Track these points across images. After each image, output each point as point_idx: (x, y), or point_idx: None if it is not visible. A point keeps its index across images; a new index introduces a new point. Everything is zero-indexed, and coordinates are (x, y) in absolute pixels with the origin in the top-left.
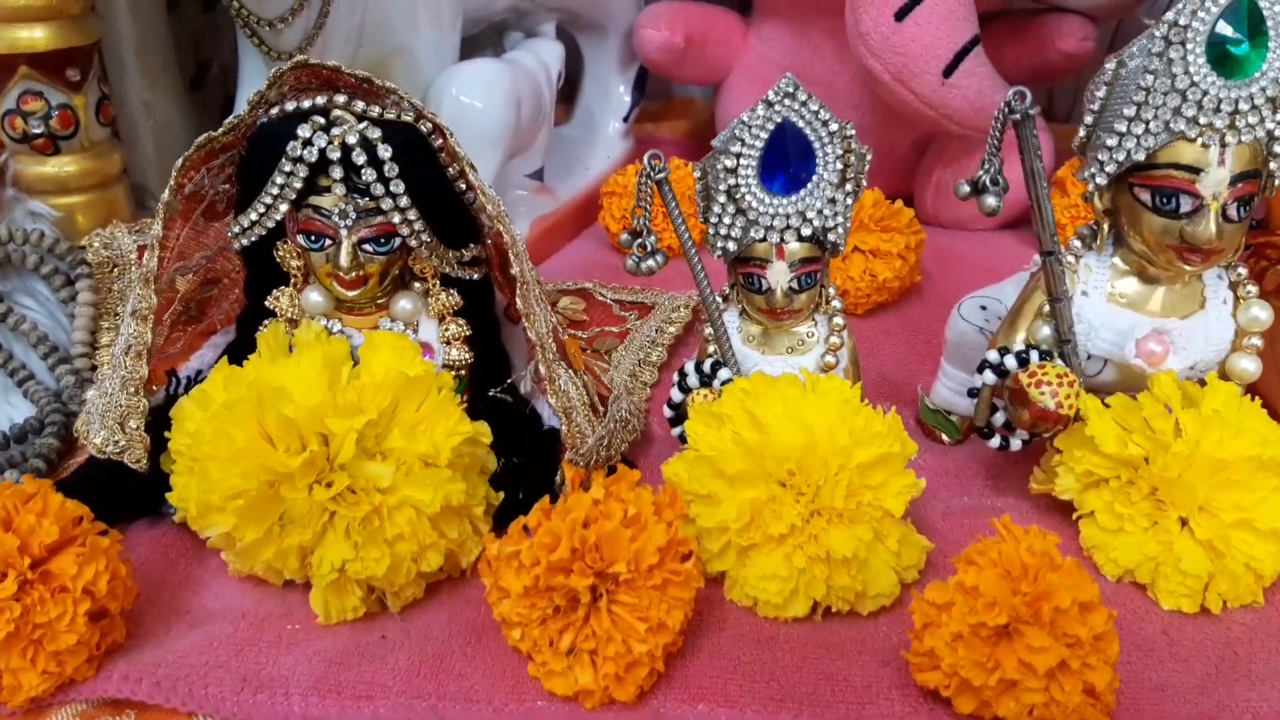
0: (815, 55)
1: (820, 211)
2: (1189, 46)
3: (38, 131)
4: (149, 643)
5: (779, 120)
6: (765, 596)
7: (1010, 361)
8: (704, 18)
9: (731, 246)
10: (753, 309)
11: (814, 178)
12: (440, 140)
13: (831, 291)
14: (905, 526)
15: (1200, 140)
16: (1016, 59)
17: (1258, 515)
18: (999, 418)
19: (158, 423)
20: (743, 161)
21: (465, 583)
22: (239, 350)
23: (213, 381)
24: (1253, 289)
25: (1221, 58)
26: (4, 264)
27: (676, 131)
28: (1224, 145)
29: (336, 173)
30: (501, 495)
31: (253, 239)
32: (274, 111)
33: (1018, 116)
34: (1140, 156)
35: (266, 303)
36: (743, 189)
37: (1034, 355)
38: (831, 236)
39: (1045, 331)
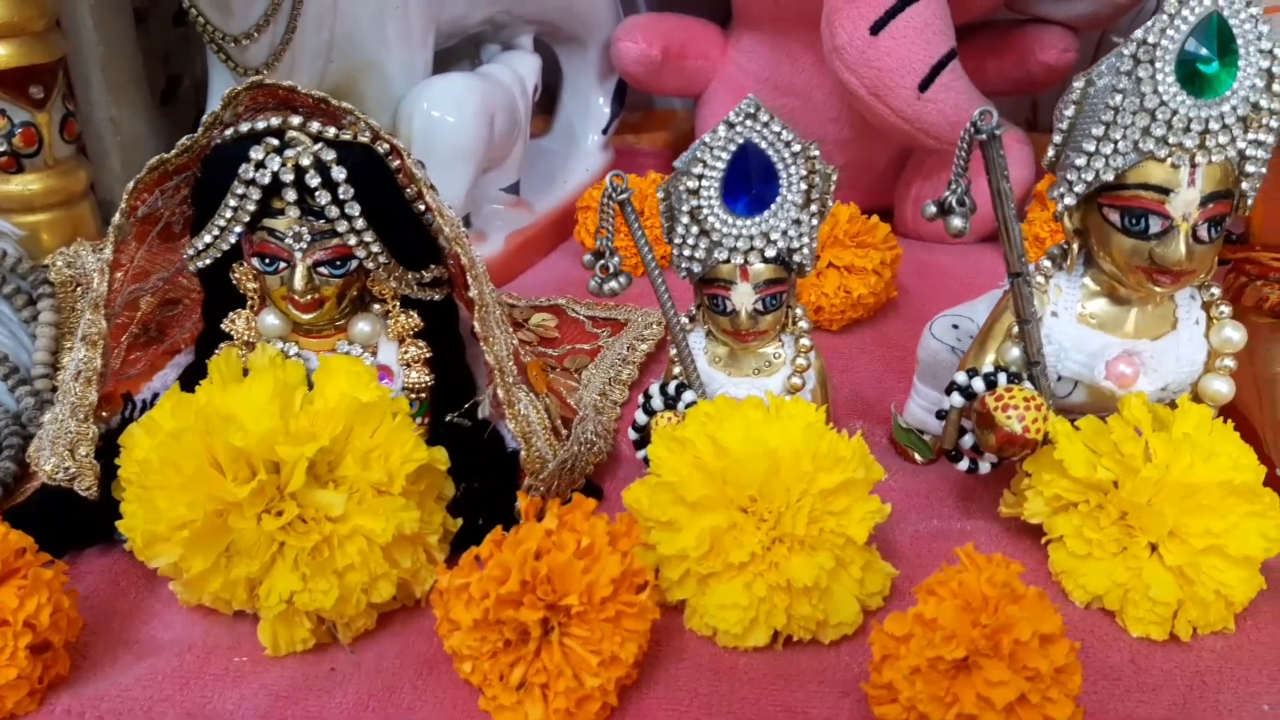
0: (794, 68)
1: (785, 233)
2: (1158, 65)
3: (0, 150)
4: (94, 675)
5: (741, 141)
6: (725, 626)
7: (978, 384)
8: (683, 30)
9: (696, 268)
10: (718, 330)
11: (778, 199)
12: (398, 161)
13: (799, 312)
14: (869, 553)
15: (1170, 160)
16: (999, 70)
17: (1228, 541)
18: (967, 440)
19: (112, 448)
20: (705, 182)
21: (419, 612)
22: (195, 373)
23: (161, 408)
24: (1226, 309)
25: (1191, 76)
26: None
27: (657, 143)
28: (1194, 165)
29: (290, 195)
30: (460, 522)
31: (208, 261)
32: (228, 133)
33: (983, 136)
34: (1109, 177)
35: (223, 325)
36: (705, 210)
37: (1002, 378)
38: (797, 258)
39: (1015, 353)
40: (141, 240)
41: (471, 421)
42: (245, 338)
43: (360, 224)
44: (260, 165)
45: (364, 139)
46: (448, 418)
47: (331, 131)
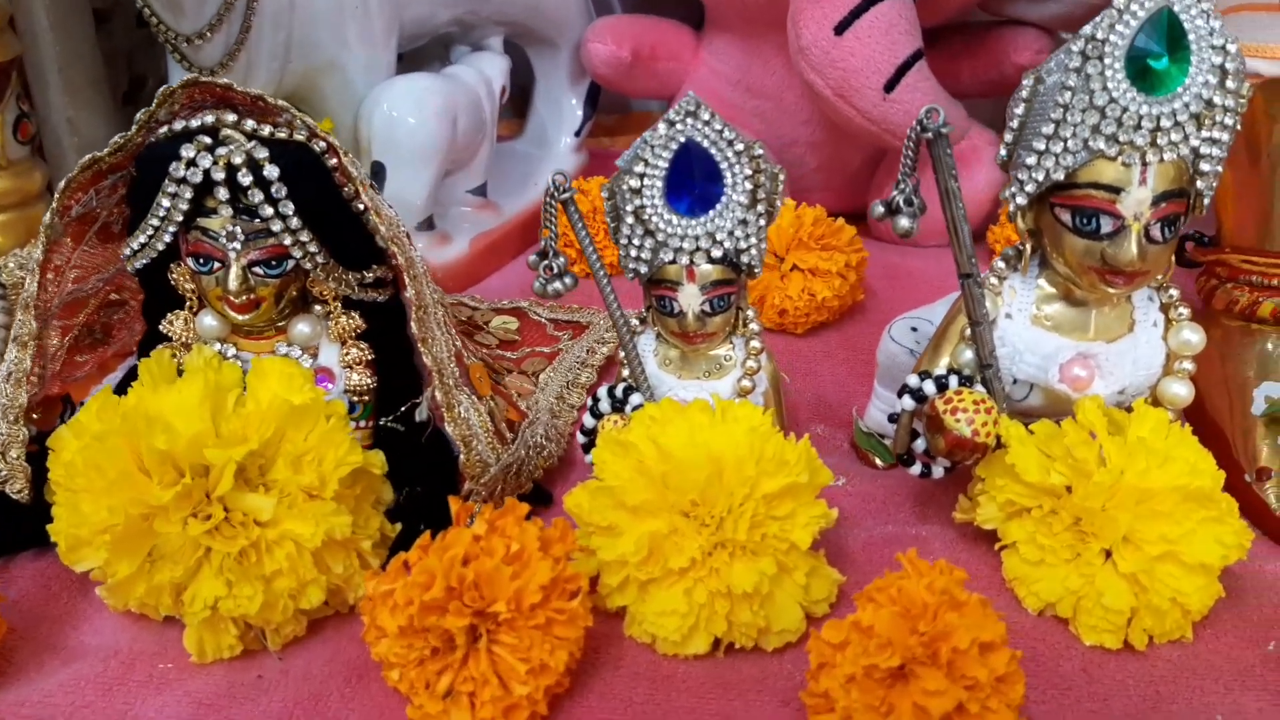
0: (766, 70)
1: (731, 233)
2: (1107, 61)
3: None
4: (18, 680)
5: (682, 140)
6: (664, 633)
7: (929, 387)
8: (654, 32)
9: (643, 269)
10: (666, 332)
11: (723, 198)
12: (334, 159)
13: (750, 314)
14: (815, 559)
15: (1120, 159)
16: (973, 72)
17: (1184, 548)
18: (920, 444)
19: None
20: (647, 182)
21: (352, 619)
22: (133, 376)
23: (88, 410)
24: (1184, 311)
25: (1141, 73)
26: None
27: None
28: (1145, 164)
29: (222, 194)
30: (399, 527)
31: (145, 262)
32: (163, 131)
33: (929, 135)
34: (1059, 176)
35: (161, 327)
36: (649, 210)
37: (953, 380)
38: (745, 259)
39: (968, 355)
40: (78, 240)
41: (407, 425)
42: (183, 339)
43: (295, 223)
44: (192, 163)
45: (300, 137)
46: (382, 420)
47: (266, 129)
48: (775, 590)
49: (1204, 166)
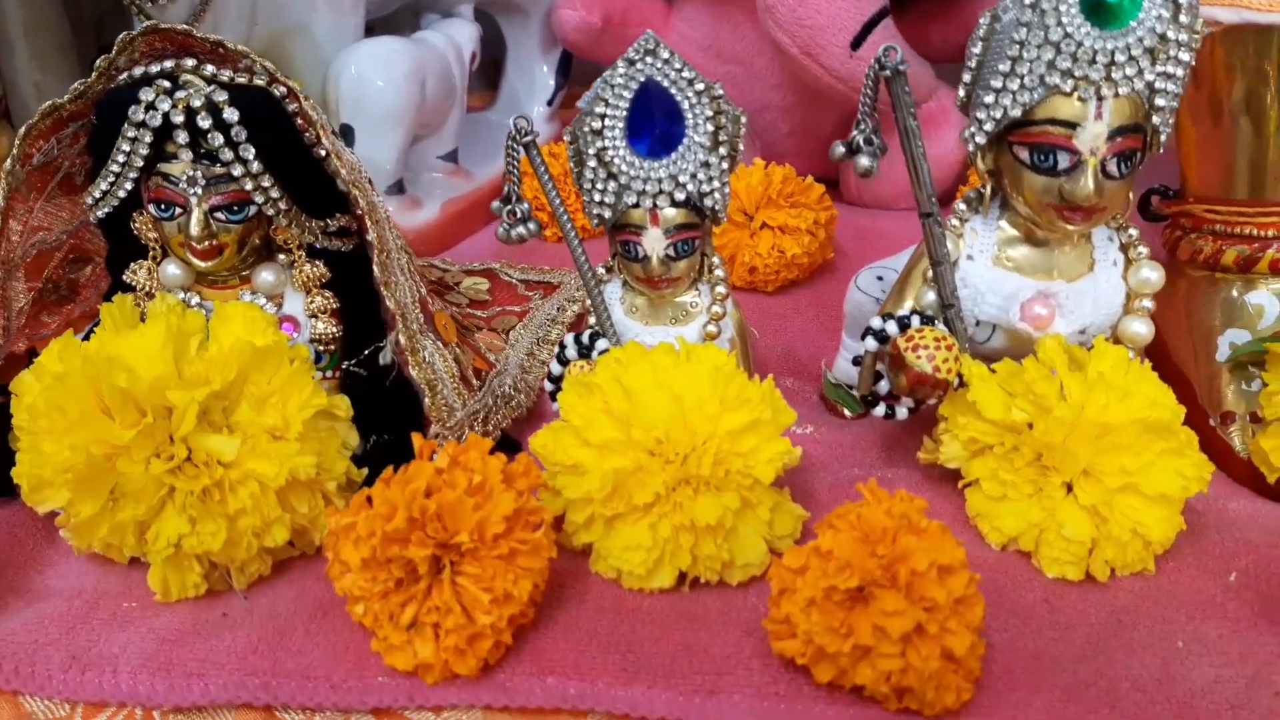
0: (736, 35)
1: (694, 175)
2: None
3: None
4: None
5: (642, 79)
6: (629, 567)
7: (891, 327)
8: None
9: (606, 213)
10: (632, 278)
11: (684, 140)
12: (295, 104)
13: (715, 260)
14: (779, 495)
15: (1076, 94)
16: (942, 36)
17: (1144, 480)
18: (883, 385)
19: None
20: (608, 122)
21: (318, 560)
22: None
23: (49, 353)
24: (1144, 250)
25: (1095, 7)
26: None
27: None
28: (1100, 99)
29: (182, 137)
30: (365, 471)
31: (107, 210)
32: (123, 77)
33: (888, 73)
34: (1017, 113)
35: (125, 277)
36: (611, 151)
37: (915, 320)
38: (708, 202)
39: (931, 297)
40: (41, 191)
41: (370, 369)
42: (147, 289)
43: (256, 167)
44: (151, 107)
45: (260, 82)
46: (344, 365)
47: (226, 74)
48: (739, 524)
49: (1159, 101)
